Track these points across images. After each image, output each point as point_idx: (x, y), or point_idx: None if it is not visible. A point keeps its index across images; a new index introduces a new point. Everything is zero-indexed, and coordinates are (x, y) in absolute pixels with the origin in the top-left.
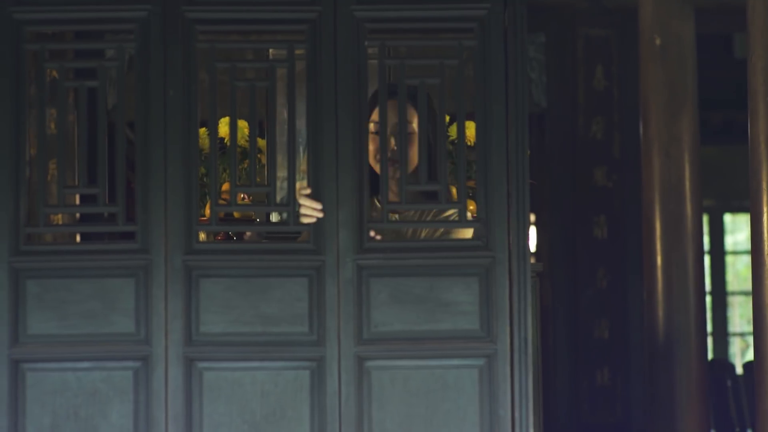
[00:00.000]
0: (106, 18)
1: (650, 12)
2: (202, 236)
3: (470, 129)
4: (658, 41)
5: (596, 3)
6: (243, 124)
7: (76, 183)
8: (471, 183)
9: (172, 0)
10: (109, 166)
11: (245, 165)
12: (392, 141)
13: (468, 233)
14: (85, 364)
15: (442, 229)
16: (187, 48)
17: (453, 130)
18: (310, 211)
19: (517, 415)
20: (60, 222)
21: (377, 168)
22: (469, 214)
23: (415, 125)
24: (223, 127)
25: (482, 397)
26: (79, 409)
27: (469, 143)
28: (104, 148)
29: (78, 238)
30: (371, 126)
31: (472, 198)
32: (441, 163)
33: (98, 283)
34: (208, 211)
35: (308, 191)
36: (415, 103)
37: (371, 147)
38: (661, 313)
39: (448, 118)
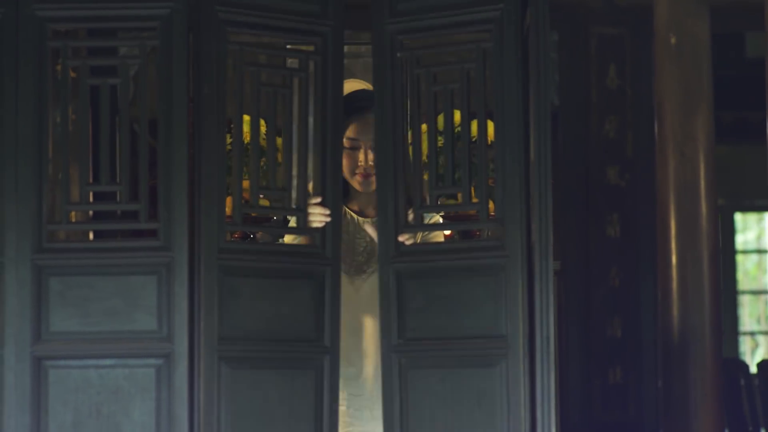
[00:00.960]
0: (128, 15)
1: (665, 11)
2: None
3: (489, 128)
4: (673, 40)
5: (609, 2)
6: (260, 123)
7: (91, 180)
8: (489, 182)
9: None
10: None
11: (262, 163)
12: (370, 156)
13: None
14: (108, 362)
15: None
16: (214, 45)
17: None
18: (320, 217)
19: (539, 414)
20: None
21: (352, 182)
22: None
23: None
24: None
25: (501, 399)
26: (102, 406)
27: (487, 142)
28: (126, 146)
29: (91, 236)
30: (345, 142)
31: (490, 197)
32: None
33: (120, 280)
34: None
35: (318, 200)
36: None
37: (345, 162)
38: (675, 312)
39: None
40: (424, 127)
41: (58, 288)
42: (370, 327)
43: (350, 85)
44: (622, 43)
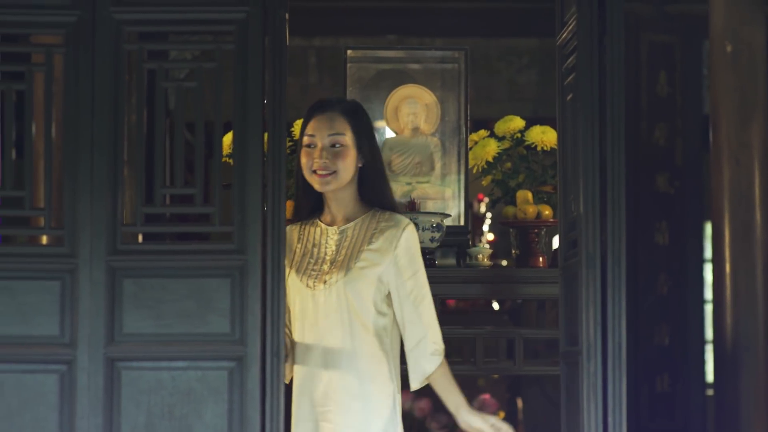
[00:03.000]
0: (204, 19)
1: (721, 19)
2: None
3: (547, 134)
4: (729, 48)
5: (660, 9)
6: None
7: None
8: (547, 188)
9: (271, 2)
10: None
11: None
12: (325, 153)
13: None
14: (180, 364)
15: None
16: (282, 49)
17: (530, 135)
18: None
19: (610, 419)
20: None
21: (311, 181)
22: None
23: (347, 138)
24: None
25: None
26: (174, 408)
27: (545, 148)
28: (201, 149)
29: (140, 239)
30: (304, 139)
31: (547, 203)
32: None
33: (194, 282)
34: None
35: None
36: (350, 116)
37: (303, 160)
38: (729, 320)
39: (524, 123)
40: None
41: (132, 290)
42: (331, 337)
43: (408, 91)
44: (672, 50)
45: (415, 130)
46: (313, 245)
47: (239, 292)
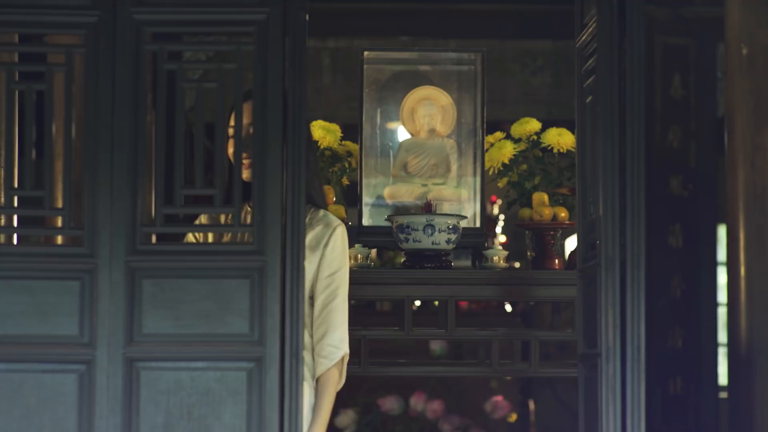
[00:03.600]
0: (225, 20)
1: (737, 22)
2: None
3: (564, 136)
4: (744, 51)
5: (675, 12)
6: (335, 128)
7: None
8: (563, 190)
9: (292, 3)
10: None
11: (336, 168)
12: (249, 143)
13: None
14: (199, 364)
15: None
16: (302, 49)
17: (546, 137)
18: None
19: (629, 422)
20: None
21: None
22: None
23: None
24: (317, 131)
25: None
26: (193, 408)
27: (562, 150)
28: (222, 150)
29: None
30: (230, 130)
31: (563, 205)
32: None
33: (213, 283)
34: None
35: None
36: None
37: (231, 151)
38: (743, 323)
39: (540, 125)
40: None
41: (151, 290)
42: None
43: (425, 92)
44: (686, 52)
45: (431, 131)
46: None
47: (258, 293)
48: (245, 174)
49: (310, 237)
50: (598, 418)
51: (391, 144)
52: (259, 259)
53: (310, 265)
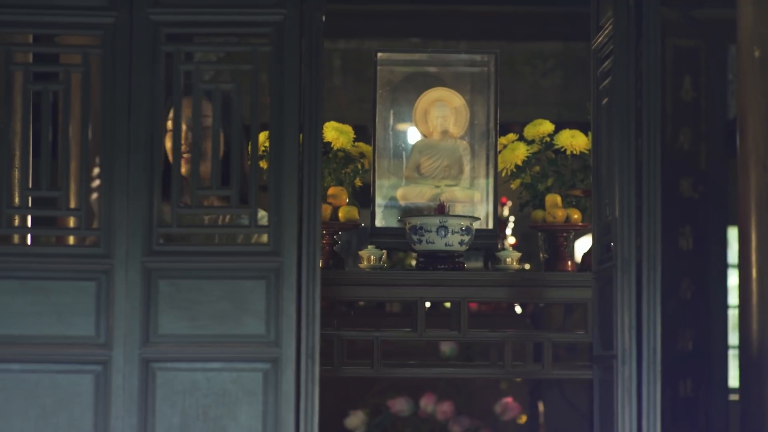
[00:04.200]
0: (241, 21)
1: (750, 24)
2: None
3: (577, 138)
4: (757, 53)
5: (686, 14)
6: (347, 129)
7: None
8: (576, 192)
9: (309, 5)
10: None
11: (349, 170)
12: (188, 137)
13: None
14: (215, 365)
15: None
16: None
17: (559, 139)
18: None
19: (644, 423)
20: None
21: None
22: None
23: (210, 120)
24: (329, 132)
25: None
26: (209, 409)
27: (575, 152)
28: (237, 150)
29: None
30: (168, 124)
31: (576, 207)
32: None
33: (229, 284)
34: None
35: None
36: (215, 102)
37: (168, 144)
38: (755, 325)
39: (553, 127)
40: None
41: (167, 291)
42: None
43: (438, 94)
44: (697, 55)
45: (444, 133)
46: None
47: (274, 293)
48: (184, 169)
49: None
50: (613, 419)
51: (403, 145)
52: (275, 260)
53: None
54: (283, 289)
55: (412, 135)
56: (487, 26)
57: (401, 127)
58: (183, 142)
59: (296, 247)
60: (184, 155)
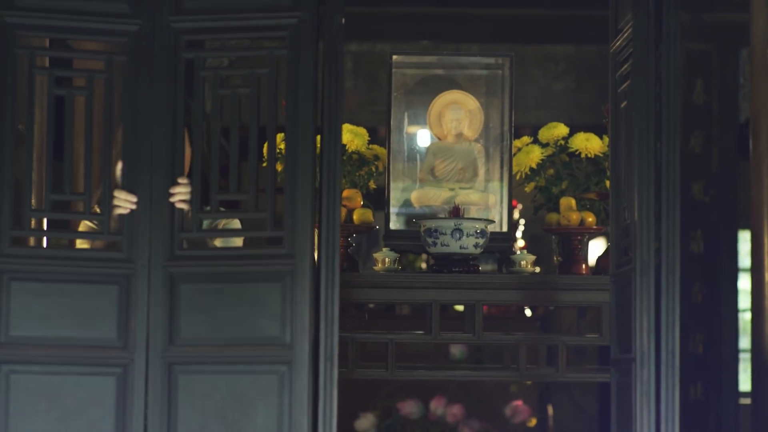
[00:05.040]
0: (259, 26)
1: (763, 27)
2: None
3: (591, 141)
4: None
5: (697, 17)
6: (362, 131)
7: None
8: (591, 195)
9: (329, 7)
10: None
11: (363, 172)
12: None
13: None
14: (234, 368)
15: None
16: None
17: (574, 142)
18: (123, 202)
19: (663, 427)
20: None
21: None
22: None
23: None
24: (344, 134)
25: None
26: (227, 411)
27: (589, 155)
28: (254, 154)
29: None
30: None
31: (590, 210)
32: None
33: (247, 287)
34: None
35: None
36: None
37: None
38: (767, 329)
39: (568, 130)
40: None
41: (188, 295)
42: None
43: (452, 96)
44: (709, 58)
45: (459, 135)
46: None
47: (290, 296)
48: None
49: None
50: (631, 422)
51: (418, 148)
52: (290, 263)
53: None
54: (297, 292)
55: (427, 138)
56: (499, 29)
57: (416, 129)
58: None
59: (311, 249)
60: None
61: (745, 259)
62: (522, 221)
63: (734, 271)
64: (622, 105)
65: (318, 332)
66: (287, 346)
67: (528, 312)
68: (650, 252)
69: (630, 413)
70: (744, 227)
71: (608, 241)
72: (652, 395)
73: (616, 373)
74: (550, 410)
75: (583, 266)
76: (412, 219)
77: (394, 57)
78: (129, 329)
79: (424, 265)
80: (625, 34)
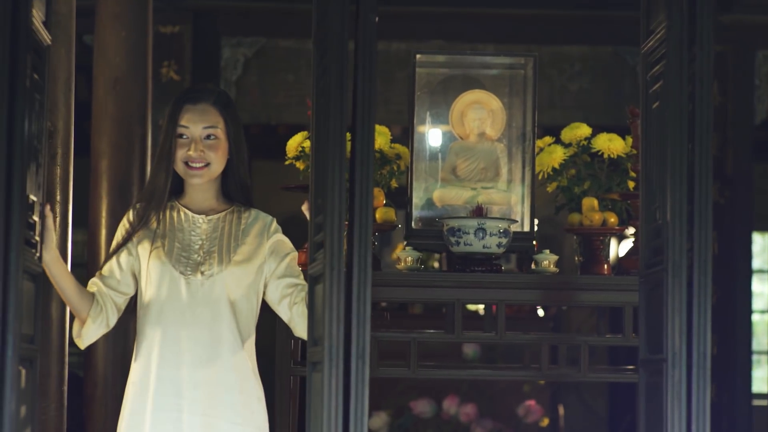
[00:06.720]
0: None
1: None
2: None
3: (614, 142)
4: None
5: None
6: (385, 130)
7: None
8: (613, 195)
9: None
10: None
11: (385, 171)
12: (200, 146)
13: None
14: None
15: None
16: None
17: (596, 142)
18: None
19: (694, 427)
20: None
21: (185, 175)
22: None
23: (220, 131)
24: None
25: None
26: None
27: (612, 156)
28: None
29: None
30: (179, 129)
31: (612, 210)
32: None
33: None
34: None
35: None
36: (223, 109)
37: (179, 151)
38: None
39: (590, 130)
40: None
41: None
42: (198, 332)
43: (474, 96)
44: (725, 60)
45: (481, 135)
46: (177, 230)
47: (321, 296)
48: (192, 177)
49: (250, 234)
50: (661, 423)
51: (440, 147)
52: (322, 261)
53: (257, 259)
54: (333, 291)
55: (449, 137)
56: (514, 29)
57: (438, 128)
58: (193, 150)
59: (342, 249)
60: (192, 165)
61: (758, 261)
62: (536, 221)
63: (748, 272)
64: (654, 105)
65: (349, 331)
66: (318, 344)
67: (540, 312)
68: (682, 252)
69: (659, 414)
70: (758, 229)
71: (619, 241)
72: (683, 396)
73: (645, 374)
74: (561, 410)
75: (605, 266)
76: (435, 219)
77: (418, 56)
78: None
79: (436, 264)
80: (658, 35)
